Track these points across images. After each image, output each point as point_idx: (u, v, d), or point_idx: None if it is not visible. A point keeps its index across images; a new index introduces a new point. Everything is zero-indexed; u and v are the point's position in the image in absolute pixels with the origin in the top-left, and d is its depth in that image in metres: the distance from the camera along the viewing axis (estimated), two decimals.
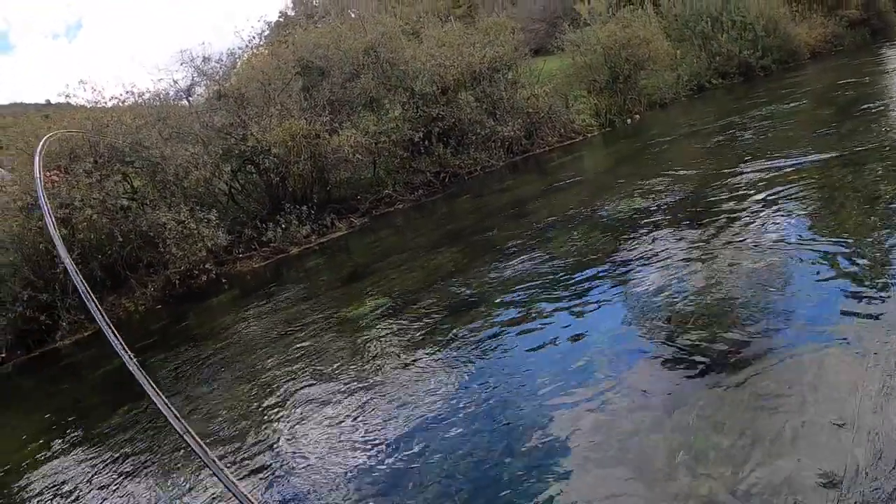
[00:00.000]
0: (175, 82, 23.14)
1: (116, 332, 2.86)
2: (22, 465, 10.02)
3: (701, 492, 4.60)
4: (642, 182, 14.69)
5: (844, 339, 5.97)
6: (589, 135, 26.60)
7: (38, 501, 8.56)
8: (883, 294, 6.66)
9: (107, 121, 20.31)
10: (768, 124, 18.52)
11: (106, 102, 21.98)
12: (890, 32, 49.79)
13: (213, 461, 2.22)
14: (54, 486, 8.89)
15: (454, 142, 23.64)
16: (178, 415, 2.26)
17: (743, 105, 24.72)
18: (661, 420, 5.57)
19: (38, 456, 10.14)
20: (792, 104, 21.85)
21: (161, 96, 22.82)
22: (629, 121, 27.72)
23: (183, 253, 17.89)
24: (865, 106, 18.54)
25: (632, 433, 5.52)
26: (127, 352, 2.94)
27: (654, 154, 18.81)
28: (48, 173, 19.59)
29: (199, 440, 2.26)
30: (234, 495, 2.15)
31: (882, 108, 18.04)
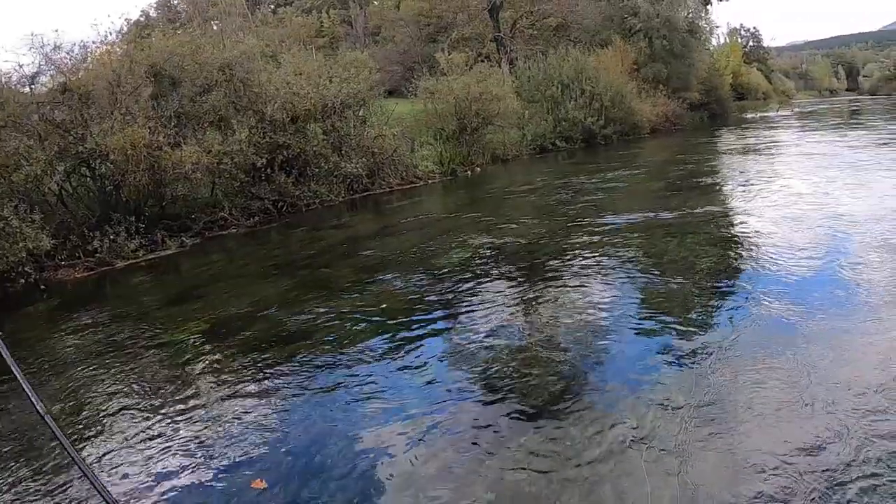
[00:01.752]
0: (20, 66, 22.26)
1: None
2: None
3: None
4: (476, 232, 15.45)
5: (652, 395, 6.75)
6: (430, 181, 27.28)
7: None
8: (690, 351, 7.69)
9: None
10: (603, 189, 19.70)
11: None
12: (726, 118, 53.20)
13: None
14: None
15: (297, 172, 23.75)
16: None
17: (581, 169, 26.03)
18: (472, 465, 5.94)
19: None
20: (627, 173, 23.27)
21: (2, 79, 21.89)
22: (470, 172, 28.52)
23: (2, 252, 17.16)
24: (694, 181, 20.01)
25: (438, 476, 5.83)
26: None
27: (491, 206, 19.61)
28: None
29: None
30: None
31: (708, 184, 19.58)
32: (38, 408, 2.19)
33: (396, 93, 34.45)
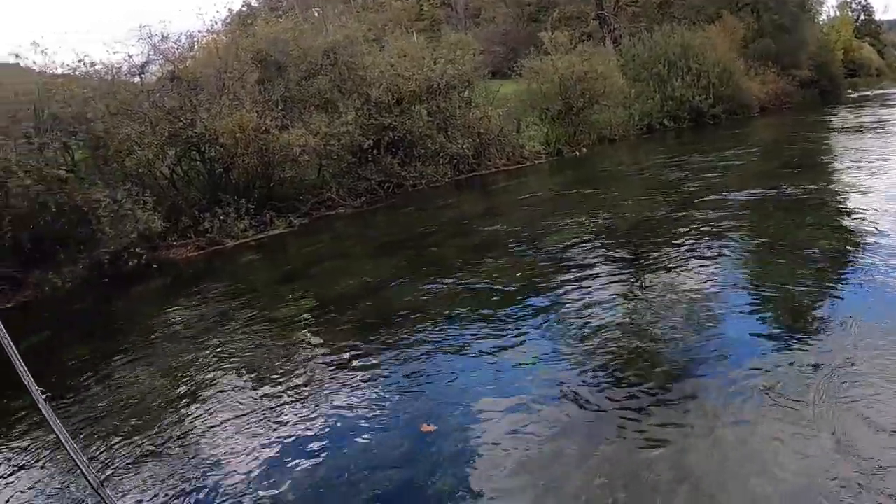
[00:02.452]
0: (130, 57, 22.74)
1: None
2: None
3: None
4: (584, 212, 14.89)
5: (765, 386, 6.14)
6: (536, 161, 26.82)
7: None
8: (802, 339, 7.03)
9: (54, 87, 19.98)
10: (714, 169, 18.89)
11: (56, 69, 21.61)
12: (839, 95, 51.07)
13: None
14: None
15: (402, 153, 23.65)
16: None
17: (690, 149, 25.19)
18: (582, 450, 5.61)
19: None
20: (738, 152, 22.33)
21: (113, 70, 22.39)
22: (577, 152, 27.99)
23: (115, 233, 17.51)
24: (809, 160, 19.10)
25: (550, 460, 5.54)
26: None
27: (599, 187, 19.06)
28: None
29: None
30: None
31: (824, 163, 18.64)
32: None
33: (499, 74, 34.02)
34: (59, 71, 21.62)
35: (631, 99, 32.61)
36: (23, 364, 2.17)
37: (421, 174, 23.59)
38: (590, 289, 9.74)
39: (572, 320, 8.60)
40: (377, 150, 22.81)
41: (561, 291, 9.87)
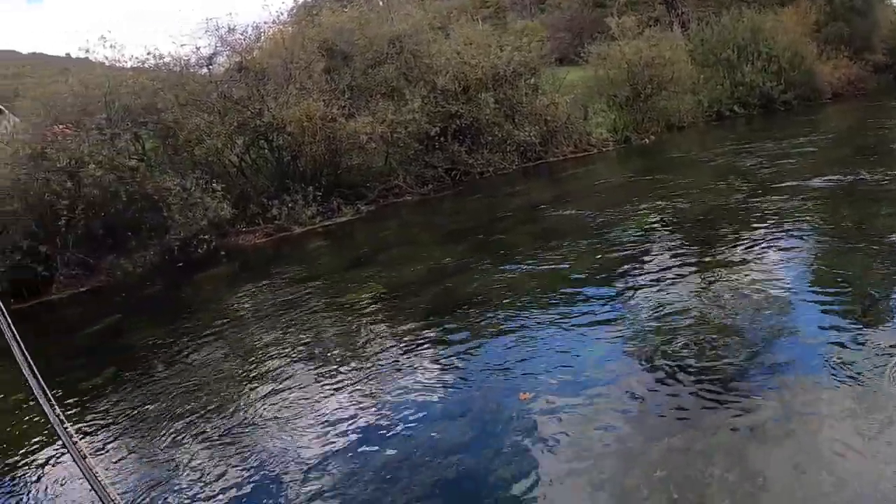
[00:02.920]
0: (197, 49, 22.97)
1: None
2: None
3: None
4: (652, 202, 14.47)
5: (836, 376, 5.84)
6: (604, 149, 26.44)
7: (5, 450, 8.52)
8: (878, 330, 6.62)
9: (124, 80, 20.30)
10: (786, 157, 18.31)
11: (126, 62, 21.94)
12: None
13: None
14: (19, 443, 8.78)
15: (469, 141, 23.53)
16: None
17: (761, 136, 24.55)
18: (646, 441, 5.42)
19: (7, 410, 10.06)
20: (811, 139, 21.67)
21: (182, 62, 22.66)
22: (646, 140, 27.57)
23: (185, 220, 17.81)
24: (884, 149, 18.45)
25: (612, 450, 5.38)
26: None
27: (667, 174, 18.60)
28: (60, 126, 19.55)
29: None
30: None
31: None
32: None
33: (566, 60, 33.65)
34: (129, 64, 22.02)
35: (699, 85, 31.94)
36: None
37: (488, 162, 23.42)
38: (659, 277, 9.44)
39: (641, 309, 8.33)
40: (444, 137, 22.74)
41: (630, 279, 9.59)
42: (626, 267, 10.18)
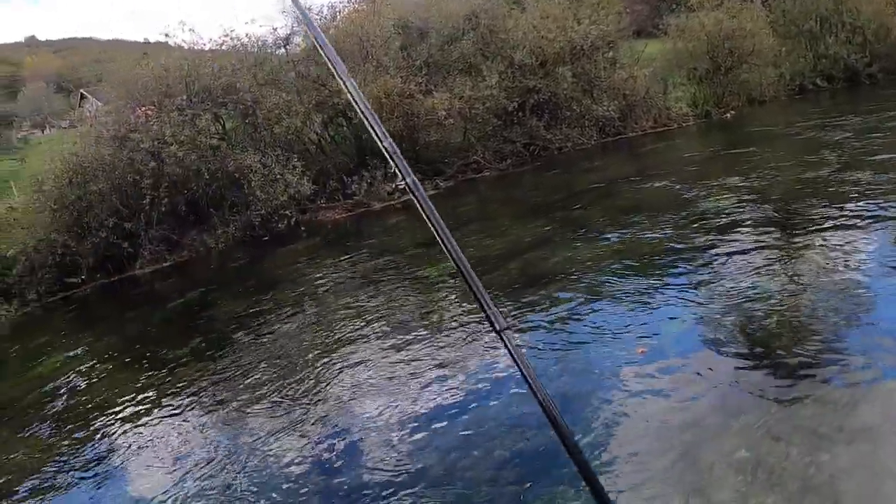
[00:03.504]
0: (274, 30, 23.16)
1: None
2: (90, 383, 10.16)
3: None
4: (734, 178, 13.76)
5: None
6: (684, 123, 25.88)
7: (94, 417, 8.68)
8: None
9: (203, 61, 20.56)
10: (873, 132, 17.62)
11: (204, 44, 22.22)
12: None
13: None
14: (113, 404, 8.96)
15: (548, 115, 23.29)
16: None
17: (846, 110, 23.75)
18: (721, 421, 5.22)
19: (103, 377, 10.29)
20: None
21: (259, 43, 22.89)
22: (727, 114, 26.98)
23: (266, 196, 18.02)
24: None
25: (688, 429, 5.19)
26: None
27: (750, 151, 17.92)
28: (142, 108, 19.90)
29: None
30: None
31: None
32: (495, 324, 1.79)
33: (644, 33, 32.99)
34: (207, 46, 22.30)
35: (781, 57, 31.07)
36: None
37: (566, 137, 23.14)
38: (742, 253, 9.02)
39: (722, 286, 7.98)
40: (522, 112, 22.58)
41: (710, 256, 9.20)
42: (707, 242, 9.80)
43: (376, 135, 2.11)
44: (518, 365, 2.08)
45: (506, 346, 2.10)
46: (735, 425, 5.08)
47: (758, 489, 4.34)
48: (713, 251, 9.34)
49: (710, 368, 6.01)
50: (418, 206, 2.10)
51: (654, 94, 25.76)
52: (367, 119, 2.11)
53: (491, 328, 2.09)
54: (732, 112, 27.02)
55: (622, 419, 5.48)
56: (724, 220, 10.78)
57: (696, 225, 10.83)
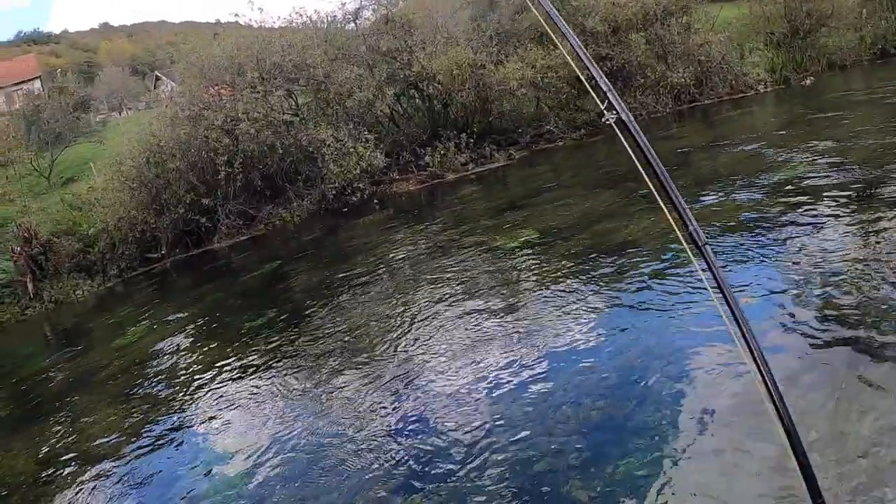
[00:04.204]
0: (343, 5, 23.25)
1: None
2: (171, 352, 10.38)
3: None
4: (814, 148, 12.91)
5: None
6: (762, 90, 25.24)
7: (176, 383, 8.91)
8: None
9: (273, 39, 20.71)
10: None
11: (274, 23, 22.39)
12: None
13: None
14: (194, 372, 9.15)
15: (621, 83, 22.86)
16: None
17: None
18: (796, 400, 4.70)
19: (184, 346, 10.45)
20: None
21: (328, 18, 22.95)
22: (806, 81, 26.27)
23: (340, 170, 18.08)
24: None
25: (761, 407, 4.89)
26: None
27: (830, 119, 17.13)
28: (216, 86, 20.13)
29: None
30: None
31: None
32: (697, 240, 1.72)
33: None
34: (277, 24, 22.47)
35: (862, 20, 30.22)
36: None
37: (641, 105, 22.68)
38: (819, 226, 8.33)
39: (798, 259, 7.47)
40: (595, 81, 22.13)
41: (791, 226, 8.58)
42: (786, 213, 9.20)
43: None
44: (716, 278, 1.97)
45: (706, 259, 1.98)
46: (801, 401, 4.77)
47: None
48: (792, 221, 8.79)
49: (786, 346, 5.69)
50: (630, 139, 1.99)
51: (729, 60, 25.14)
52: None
53: (692, 243, 1.91)
54: (811, 78, 26.27)
55: (688, 396, 5.29)
56: (801, 189, 10.16)
57: (775, 194, 10.22)
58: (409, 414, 6.13)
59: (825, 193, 9.57)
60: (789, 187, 10.34)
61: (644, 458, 4.59)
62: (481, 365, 6.67)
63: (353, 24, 23.48)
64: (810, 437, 4.21)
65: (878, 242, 7.42)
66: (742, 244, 8.37)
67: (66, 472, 7.12)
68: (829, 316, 5.91)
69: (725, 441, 4.61)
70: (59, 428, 8.61)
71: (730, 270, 7.48)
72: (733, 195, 10.70)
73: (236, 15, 22.71)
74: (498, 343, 7.12)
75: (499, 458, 5.07)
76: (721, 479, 4.28)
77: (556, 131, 21.46)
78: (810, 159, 11.76)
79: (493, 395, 6.01)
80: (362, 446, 5.80)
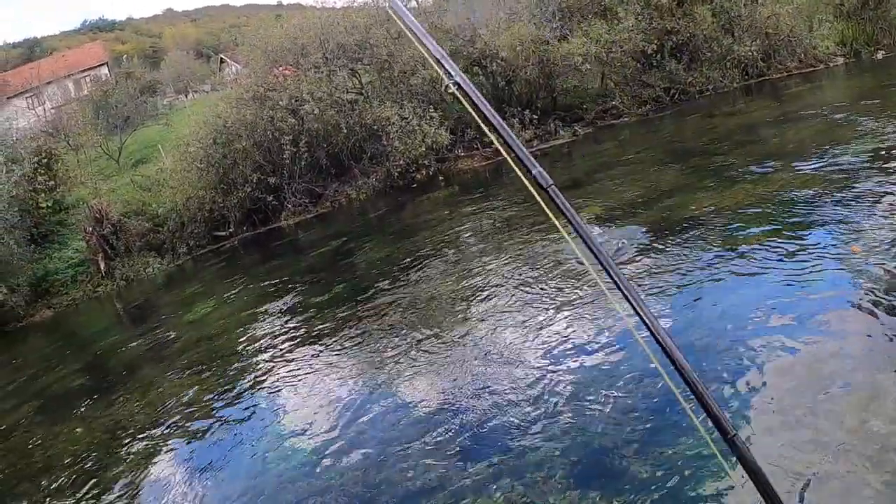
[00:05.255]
0: None
1: None
2: (239, 328, 10.58)
3: None
4: (886, 121, 12.83)
5: None
6: (832, 64, 24.63)
7: (244, 358, 9.14)
8: None
9: (336, 19, 20.80)
10: None
11: (336, 3, 22.51)
12: None
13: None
14: (261, 347, 9.31)
15: (687, 58, 22.57)
16: None
17: None
18: (855, 380, 4.82)
19: (251, 322, 10.65)
20: None
21: None
22: (877, 54, 25.63)
23: (405, 147, 18.18)
24: None
25: (817, 386, 4.85)
26: None
27: None
28: (280, 68, 20.30)
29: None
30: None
31: None
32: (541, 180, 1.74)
33: None
34: (339, 4, 22.56)
35: None
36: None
37: (707, 79, 22.34)
38: (886, 205, 8.10)
39: (863, 234, 7.31)
40: (661, 55, 21.92)
41: (857, 209, 8.25)
42: (852, 194, 8.85)
43: None
44: (569, 219, 1.96)
45: (555, 200, 1.96)
46: (866, 381, 4.75)
47: None
48: (859, 203, 8.48)
49: (845, 322, 5.63)
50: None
51: (798, 33, 24.59)
52: None
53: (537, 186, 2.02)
54: (883, 51, 25.63)
55: (743, 378, 5.21)
56: (870, 168, 9.77)
57: (840, 175, 9.85)
58: (467, 390, 6.19)
59: (889, 174, 9.29)
60: (857, 169, 9.97)
61: None
62: (543, 346, 6.66)
63: (414, 2, 23.48)
64: None
65: None
66: (800, 228, 8.19)
67: (136, 445, 7.33)
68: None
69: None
70: (132, 399, 8.83)
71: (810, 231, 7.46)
72: (797, 175, 10.45)
73: None
74: (558, 322, 7.11)
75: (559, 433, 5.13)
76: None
77: (622, 107, 21.22)
78: (881, 139, 11.38)
79: (560, 371, 6.04)
80: (426, 421, 5.91)
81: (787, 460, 4.11)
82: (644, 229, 9.55)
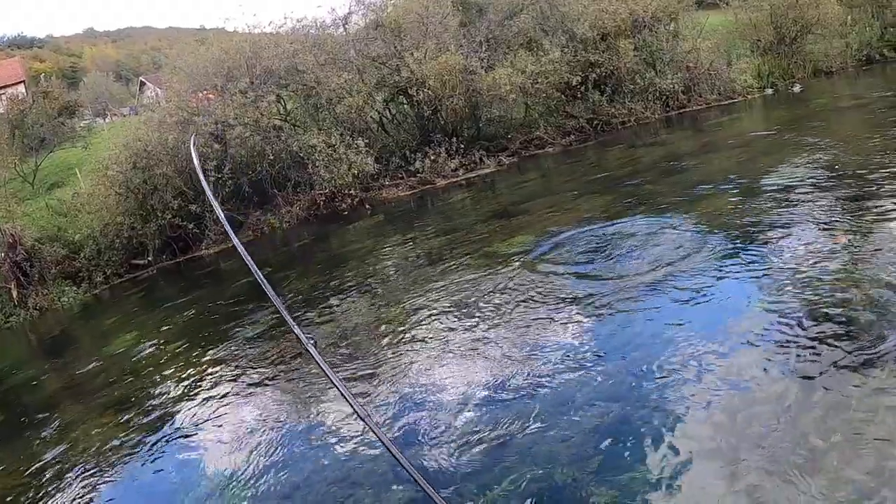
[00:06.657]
0: (333, 10, 23.23)
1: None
2: (157, 361, 10.39)
3: None
4: (802, 154, 12.77)
5: None
6: (749, 96, 25.28)
7: (162, 393, 8.89)
8: None
9: (264, 44, 20.69)
10: None
11: (264, 27, 22.38)
12: None
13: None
14: (180, 381, 9.14)
15: (610, 89, 22.97)
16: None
17: None
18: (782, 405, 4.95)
19: (169, 355, 10.49)
20: None
21: (318, 23, 22.92)
22: (794, 88, 26.33)
23: (331, 176, 18.09)
24: None
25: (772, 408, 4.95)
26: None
27: (818, 126, 17.10)
28: (204, 91, 20.07)
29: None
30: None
31: None
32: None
33: (705, 4, 32.22)
34: (268, 29, 22.48)
35: (847, 27, 30.36)
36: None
37: (630, 111, 22.80)
38: (808, 231, 8.48)
39: (787, 264, 7.51)
40: (584, 87, 22.21)
41: (778, 232, 8.62)
42: (773, 220, 9.22)
43: None
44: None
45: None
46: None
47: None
48: (776, 228, 8.84)
49: (775, 344, 5.80)
50: None
51: (717, 67, 25.22)
52: None
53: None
54: (800, 85, 26.35)
55: (695, 395, 5.34)
56: (789, 197, 10.12)
57: (761, 201, 10.32)
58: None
59: (808, 203, 9.74)
60: (776, 194, 10.41)
61: None
62: (475, 375, 6.68)
63: (342, 29, 23.44)
64: None
65: (855, 252, 7.49)
66: (732, 247, 8.51)
67: (54, 487, 7.01)
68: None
69: None
70: (48, 439, 8.50)
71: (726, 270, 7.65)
72: (719, 202, 10.77)
73: (226, 20, 22.60)
74: (491, 352, 7.13)
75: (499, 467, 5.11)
76: None
77: (546, 137, 21.44)
78: (796, 167, 11.85)
79: (484, 405, 6.06)
80: (350, 455, 5.88)
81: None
82: (574, 259, 9.59)
